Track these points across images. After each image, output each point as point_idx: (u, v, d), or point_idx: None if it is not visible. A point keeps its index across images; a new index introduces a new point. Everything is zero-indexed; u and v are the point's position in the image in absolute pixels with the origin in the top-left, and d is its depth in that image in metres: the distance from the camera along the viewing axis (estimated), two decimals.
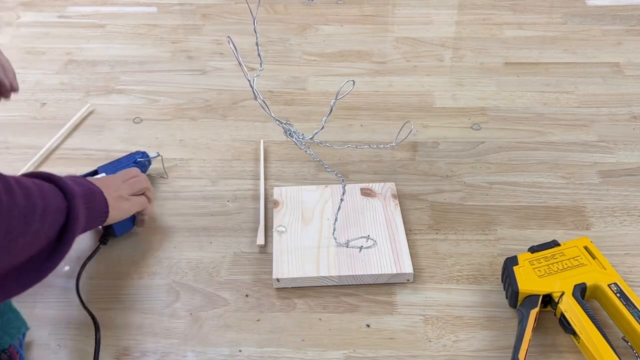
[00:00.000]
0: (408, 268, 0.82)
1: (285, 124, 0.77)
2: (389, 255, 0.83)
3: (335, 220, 0.85)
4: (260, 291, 0.82)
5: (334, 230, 0.85)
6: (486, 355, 0.74)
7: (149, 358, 0.75)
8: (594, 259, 0.78)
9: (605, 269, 0.77)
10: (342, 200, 0.85)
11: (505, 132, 1.07)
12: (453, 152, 1.03)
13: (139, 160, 0.97)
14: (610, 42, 1.31)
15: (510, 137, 1.06)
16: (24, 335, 0.74)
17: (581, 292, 0.75)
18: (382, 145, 0.89)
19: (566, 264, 0.77)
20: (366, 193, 0.93)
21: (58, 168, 1.02)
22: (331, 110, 0.75)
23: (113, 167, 0.94)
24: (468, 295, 0.81)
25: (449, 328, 0.77)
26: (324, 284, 0.82)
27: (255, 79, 0.73)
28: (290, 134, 0.78)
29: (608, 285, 0.75)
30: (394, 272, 0.81)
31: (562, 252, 0.79)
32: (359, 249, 0.84)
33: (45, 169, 1.02)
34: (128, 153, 0.98)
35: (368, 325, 0.78)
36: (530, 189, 0.96)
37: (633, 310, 0.72)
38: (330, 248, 0.85)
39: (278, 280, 0.81)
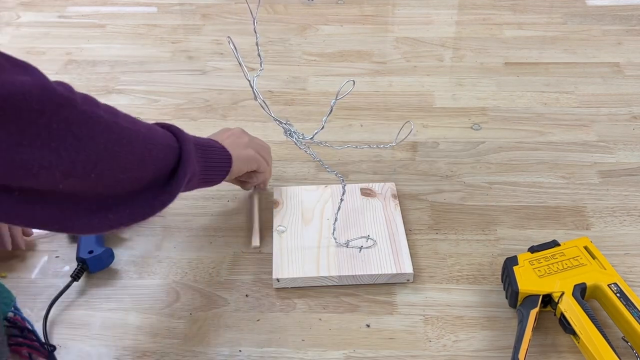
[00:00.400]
0: (408, 268, 0.82)
1: (285, 124, 0.77)
2: (389, 255, 0.83)
3: (335, 220, 0.85)
4: (260, 291, 0.82)
5: (334, 230, 0.85)
6: (486, 355, 0.74)
7: (149, 358, 0.75)
8: (594, 259, 0.78)
9: (605, 269, 0.77)
10: (342, 200, 0.85)
11: (505, 132, 1.07)
12: (453, 152, 1.03)
13: None
14: (610, 42, 1.31)
15: (510, 137, 1.06)
16: (15, 302, 0.75)
17: (581, 292, 0.75)
18: (382, 145, 0.89)
19: (566, 264, 0.77)
20: (366, 193, 0.93)
21: None
22: (331, 110, 0.75)
23: None
24: (468, 295, 0.81)
25: (449, 328, 0.77)
26: (324, 284, 0.82)
27: (255, 79, 0.73)
28: (290, 134, 0.78)
29: (608, 285, 0.75)
30: (394, 272, 0.81)
31: (562, 252, 0.79)
32: (359, 249, 0.84)
33: None
34: None
35: (368, 325, 0.78)
36: (530, 189, 0.96)
37: (633, 310, 0.72)
38: (330, 248, 0.85)
39: (278, 280, 0.81)
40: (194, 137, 0.72)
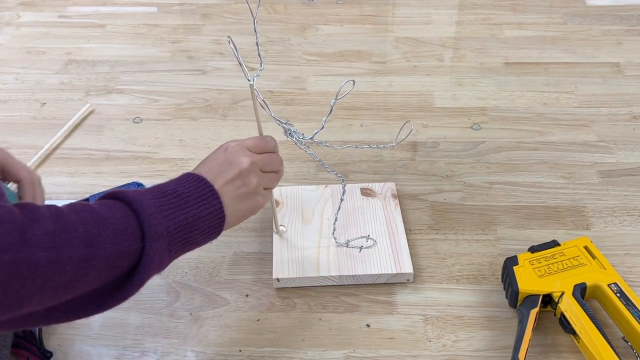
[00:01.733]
0: (408, 268, 0.82)
1: (285, 123, 0.77)
2: (389, 255, 0.83)
3: (335, 220, 0.85)
4: (260, 291, 0.82)
5: (334, 230, 0.85)
6: (486, 355, 0.74)
7: (149, 358, 0.75)
8: (594, 258, 0.78)
9: (605, 269, 0.77)
10: (342, 200, 0.85)
11: (505, 132, 1.07)
12: (453, 152, 1.03)
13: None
14: (610, 42, 1.31)
15: (511, 137, 1.06)
16: None
17: (581, 292, 0.75)
18: (382, 145, 0.89)
19: (566, 264, 0.77)
20: (366, 193, 0.93)
21: (58, 168, 1.02)
22: (331, 110, 0.75)
23: None
24: (468, 295, 0.81)
25: (449, 328, 0.77)
26: (324, 284, 0.82)
27: (255, 78, 0.73)
28: (290, 133, 0.78)
29: (608, 285, 0.75)
30: (394, 272, 0.81)
31: (562, 252, 0.79)
32: (359, 249, 0.84)
33: (46, 169, 1.02)
34: (124, 183, 0.95)
35: (368, 325, 0.78)
36: (530, 189, 0.96)
37: (633, 310, 0.72)
38: (330, 248, 0.85)
39: (278, 280, 0.81)
40: (179, 214, 0.60)
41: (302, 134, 0.79)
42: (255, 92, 0.74)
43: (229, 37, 0.71)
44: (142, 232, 0.56)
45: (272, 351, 0.75)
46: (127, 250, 0.55)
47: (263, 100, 0.75)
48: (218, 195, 0.64)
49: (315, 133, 0.78)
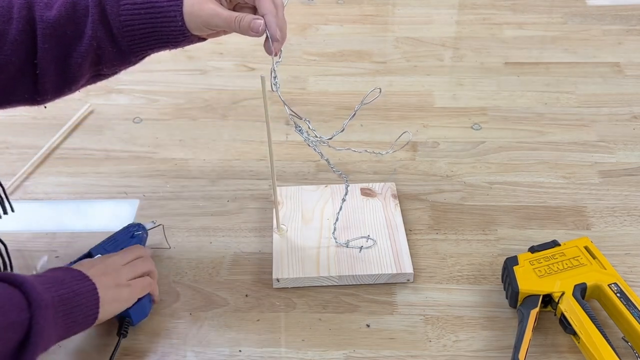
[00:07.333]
0: (408, 268, 0.82)
1: (305, 120, 0.78)
2: (389, 255, 0.83)
3: (337, 220, 0.85)
4: (260, 291, 0.82)
5: (335, 230, 0.85)
6: (486, 355, 0.74)
7: (149, 358, 0.75)
8: (594, 259, 0.78)
9: (605, 269, 0.77)
10: (344, 200, 0.84)
11: (505, 132, 1.07)
12: (453, 152, 1.03)
13: (136, 235, 0.84)
14: (611, 42, 1.31)
15: (511, 137, 1.06)
16: None
17: (581, 292, 0.75)
18: (380, 152, 0.89)
19: (566, 264, 0.77)
20: (366, 193, 0.93)
21: (58, 168, 1.02)
22: (354, 114, 0.76)
23: (107, 246, 0.81)
24: (468, 295, 0.81)
25: (449, 328, 0.77)
26: (324, 284, 0.82)
27: (276, 65, 0.73)
28: (300, 130, 0.78)
29: (608, 285, 0.75)
30: (394, 272, 0.81)
31: (562, 252, 0.79)
32: (359, 249, 0.84)
33: (45, 169, 1.02)
34: (123, 227, 0.85)
35: (368, 325, 0.78)
36: (531, 189, 0.96)
37: (633, 310, 0.72)
38: (330, 248, 0.84)
39: (278, 280, 0.81)
40: (55, 289, 0.60)
41: (315, 132, 0.79)
42: (276, 84, 0.74)
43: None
44: (29, 302, 0.56)
45: (272, 351, 0.75)
46: (14, 321, 0.54)
47: (278, 91, 0.75)
48: (90, 278, 0.66)
49: (335, 135, 0.79)
